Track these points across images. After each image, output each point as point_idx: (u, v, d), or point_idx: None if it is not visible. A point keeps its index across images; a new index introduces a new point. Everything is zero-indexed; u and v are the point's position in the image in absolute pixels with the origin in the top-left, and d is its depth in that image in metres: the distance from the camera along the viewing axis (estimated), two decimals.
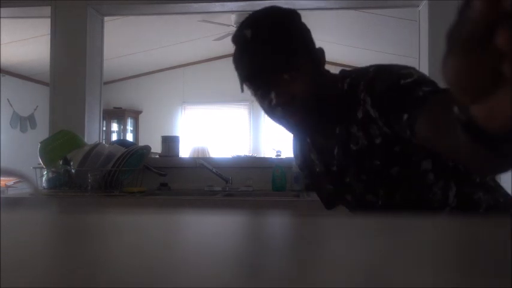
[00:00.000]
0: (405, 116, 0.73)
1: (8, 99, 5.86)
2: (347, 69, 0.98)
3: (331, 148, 0.96)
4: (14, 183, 5.21)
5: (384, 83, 0.81)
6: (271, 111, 0.92)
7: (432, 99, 0.69)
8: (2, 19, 3.44)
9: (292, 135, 1.12)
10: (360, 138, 0.88)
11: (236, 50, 0.92)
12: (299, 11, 0.95)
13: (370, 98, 0.84)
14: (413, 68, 0.83)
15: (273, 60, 0.88)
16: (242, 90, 0.95)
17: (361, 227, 0.35)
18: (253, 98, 0.96)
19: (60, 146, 2.15)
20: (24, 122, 6.15)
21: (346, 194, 0.98)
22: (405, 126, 0.74)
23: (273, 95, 0.89)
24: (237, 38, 0.92)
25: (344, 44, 5.79)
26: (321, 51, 0.95)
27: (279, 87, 0.88)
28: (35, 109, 6.22)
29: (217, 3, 2.65)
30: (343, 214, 1.07)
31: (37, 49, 4.88)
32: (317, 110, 0.90)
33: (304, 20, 0.95)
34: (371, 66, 0.89)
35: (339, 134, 0.93)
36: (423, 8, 2.50)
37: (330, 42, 5.61)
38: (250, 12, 0.95)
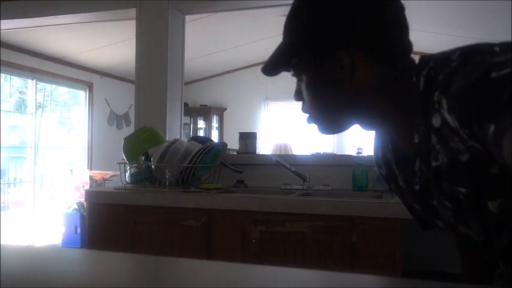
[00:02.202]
0: (492, 128, 0.52)
1: (105, 98, 6.33)
2: (427, 54, 0.71)
3: (412, 161, 0.73)
4: (110, 176, 5.60)
5: (467, 78, 0.57)
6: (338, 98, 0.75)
7: None
8: (96, 23, 3.69)
9: (373, 135, 0.91)
10: (440, 153, 0.66)
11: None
12: None
13: (445, 100, 0.60)
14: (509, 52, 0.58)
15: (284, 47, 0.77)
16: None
17: None
18: None
19: (141, 142, 2.21)
20: (120, 120, 6.61)
21: (436, 219, 0.77)
22: (492, 142, 0.53)
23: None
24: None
25: (430, 31, 5.33)
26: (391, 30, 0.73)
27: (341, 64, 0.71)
28: (130, 107, 6.64)
29: None
30: None
31: (131, 51, 5.20)
32: (391, 107, 0.71)
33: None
34: (457, 49, 0.65)
35: (418, 144, 0.70)
36: None
37: (415, 31, 5.22)
38: None
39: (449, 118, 0.60)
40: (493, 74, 0.53)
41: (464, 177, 0.64)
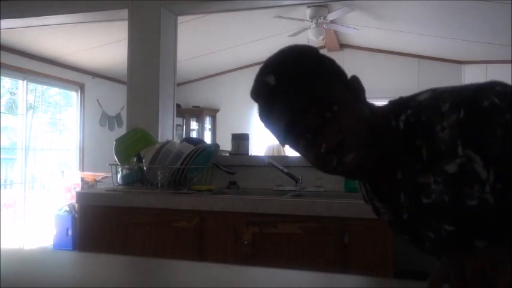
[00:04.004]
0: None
1: (97, 99, 6.29)
2: (393, 98, 0.81)
3: (396, 195, 0.80)
4: (102, 178, 5.56)
5: (497, 134, 0.66)
6: (323, 159, 0.76)
7: None
8: (88, 24, 3.67)
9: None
10: (438, 192, 0.73)
11: (261, 104, 0.79)
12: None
13: (479, 156, 0.68)
14: (491, 88, 0.69)
15: (308, 99, 0.74)
16: (283, 145, 0.81)
17: None
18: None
19: (133, 143, 2.20)
20: (112, 121, 6.57)
21: (426, 245, 0.84)
22: None
23: (320, 139, 0.74)
24: (260, 91, 0.78)
25: (421, 33, 5.38)
26: (355, 80, 0.80)
27: (324, 127, 0.74)
28: (122, 109, 6.60)
29: None
30: None
31: (123, 52, 5.16)
32: (373, 150, 0.76)
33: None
34: (434, 94, 0.74)
35: (402, 180, 0.78)
36: None
37: (406, 32, 5.26)
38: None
39: (483, 172, 0.68)
40: None
41: (456, 218, 0.73)
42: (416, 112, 0.74)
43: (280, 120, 0.76)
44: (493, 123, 0.67)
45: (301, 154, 0.80)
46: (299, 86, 0.75)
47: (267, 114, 0.78)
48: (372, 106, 0.82)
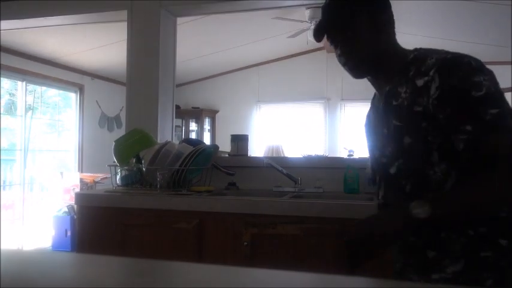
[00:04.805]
0: (464, 137, 0.92)
1: (96, 100, 6.29)
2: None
3: (381, 103, 1.12)
4: (101, 179, 5.55)
5: (457, 86, 0.94)
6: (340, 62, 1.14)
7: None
8: (87, 25, 3.67)
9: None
10: (402, 98, 1.04)
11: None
12: None
13: (439, 80, 0.96)
14: (485, 73, 0.94)
15: (335, 19, 1.11)
16: (317, 40, 1.16)
17: None
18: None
19: (132, 144, 2.20)
20: (111, 122, 6.57)
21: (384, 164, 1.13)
22: (460, 140, 0.93)
23: (338, 50, 1.11)
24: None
25: (420, 34, 5.38)
26: (385, 22, 1.11)
27: (339, 43, 1.10)
28: (121, 110, 6.60)
29: None
30: None
31: (122, 53, 5.16)
32: (372, 71, 1.11)
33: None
34: (447, 52, 1.01)
35: (388, 90, 1.09)
36: None
37: (405, 34, 5.26)
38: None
39: (433, 89, 0.97)
40: (473, 93, 0.92)
41: (407, 119, 1.02)
42: (427, 51, 1.05)
43: (317, 24, 1.15)
44: (461, 65, 0.96)
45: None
46: (336, 7, 1.13)
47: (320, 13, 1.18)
48: (392, 44, 1.12)
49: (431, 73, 0.97)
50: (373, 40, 1.08)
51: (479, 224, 0.95)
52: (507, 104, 0.93)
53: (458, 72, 0.94)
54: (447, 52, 1.00)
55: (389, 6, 1.12)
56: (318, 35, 1.13)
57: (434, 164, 0.98)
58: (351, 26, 1.08)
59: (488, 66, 0.97)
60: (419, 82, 0.99)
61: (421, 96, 0.98)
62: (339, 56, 1.11)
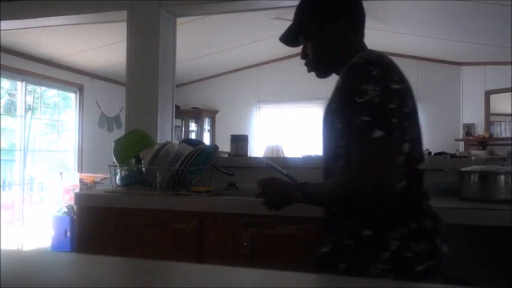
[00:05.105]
0: (345, 138, 1.08)
1: (96, 101, 6.29)
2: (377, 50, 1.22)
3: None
4: (101, 179, 5.55)
5: (348, 90, 1.06)
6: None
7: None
8: (87, 25, 3.67)
9: None
10: (331, 98, 1.17)
11: None
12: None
13: (340, 83, 1.12)
14: (380, 84, 1.02)
15: (294, 25, 1.31)
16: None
17: None
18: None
19: (132, 144, 2.20)
20: (111, 122, 6.57)
21: None
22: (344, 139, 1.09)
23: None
24: None
25: (420, 35, 5.38)
26: (341, 26, 1.24)
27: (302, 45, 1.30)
28: (121, 110, 6.60)
29: None
30: None
31: (122, 53, 5.15)
32: (321, 71, 1.29)
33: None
34: (371, 56, 1.13)
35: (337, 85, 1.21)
36: None
37: (404, 34, 5.26)
38: None
39: (335, 93, 1.13)
40: (356, 99, 1.01)
41: (328, 120, 1.18)
42: (359, 54, 1.15)
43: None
44: (360, 71, 1.07)
45: None
46: (296, 13, 1.32)
47: None
48: (343, 45, 1.25)
49: (341, 74, 1.13)
50: (321, 44, 1.25)
51: (352, 217, 1.11)
52: (388, 118, 1.00)
53: (353, 77, 1.05)
54: (370, 56, 1.11)
55: (349, 14, 1.26)
56: (284, 40, 1.34)
57: (341, 159, 1.13)
58: (304, 32, 1.27)
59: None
60: (338, 83, 1.15)
61: (334, 95, 1.13)
62: (301, 54, 1.29)
